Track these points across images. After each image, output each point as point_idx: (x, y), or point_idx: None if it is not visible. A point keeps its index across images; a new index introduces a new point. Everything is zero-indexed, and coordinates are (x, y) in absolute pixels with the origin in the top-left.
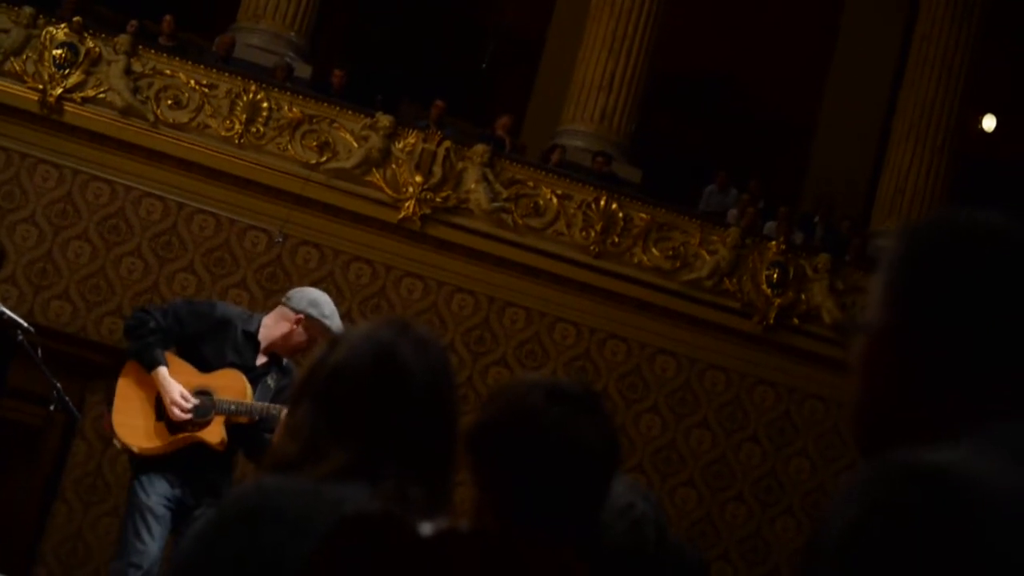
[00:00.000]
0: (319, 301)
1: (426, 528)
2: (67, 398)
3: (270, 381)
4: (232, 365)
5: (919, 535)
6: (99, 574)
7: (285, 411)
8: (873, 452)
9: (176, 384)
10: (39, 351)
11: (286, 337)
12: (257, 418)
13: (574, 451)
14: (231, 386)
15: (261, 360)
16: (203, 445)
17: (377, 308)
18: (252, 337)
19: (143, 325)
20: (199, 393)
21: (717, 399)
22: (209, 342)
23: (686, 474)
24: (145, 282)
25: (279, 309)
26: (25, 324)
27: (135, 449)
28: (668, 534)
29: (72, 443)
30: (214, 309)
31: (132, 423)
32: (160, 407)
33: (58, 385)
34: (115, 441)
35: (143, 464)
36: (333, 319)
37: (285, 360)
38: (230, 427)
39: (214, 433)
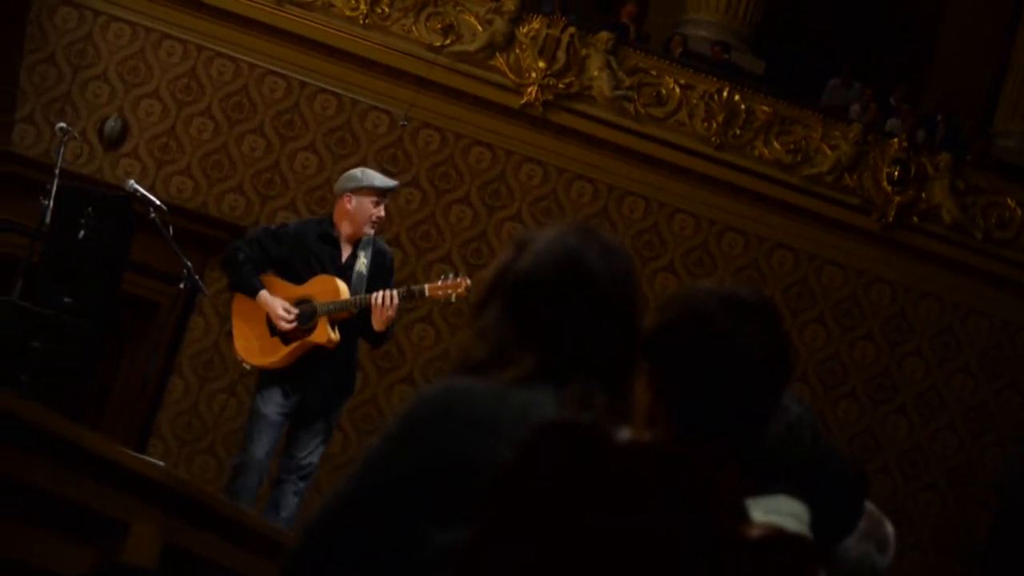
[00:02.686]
0: (350, 175)
1: (622, 435)
2: (198, 277)
3: (360, 268)
4: (321, 270)
5: None
6: (213, 448)
7: (376, 295)
8: None
9: (278, 300)
10: (170, 229)
11: (347, 218)
12: (356, 310)
13: (749, 359)
14: (326, 289)
15: (346, 253)
16: (317, 348)
17: (496, 193)
18: (328, 237)
19: (234, 259)
20: (300, 303)
21: (834, 295)
22: (295, 259)
23: (799, 369)
24: (266, 160)
25: (335, 205)
26: (158, 202)
27: (260, 366)
28: (822, 438)
29: (190, 319)
30: (287, 229)
31: (252, 345)
32: (272, 325)
33: (189, 264)
34: (244, 365)
35: (264, 377)
36: (365, 176)
37: (373, 239)
38: (336, 325)
39: (321, 334)
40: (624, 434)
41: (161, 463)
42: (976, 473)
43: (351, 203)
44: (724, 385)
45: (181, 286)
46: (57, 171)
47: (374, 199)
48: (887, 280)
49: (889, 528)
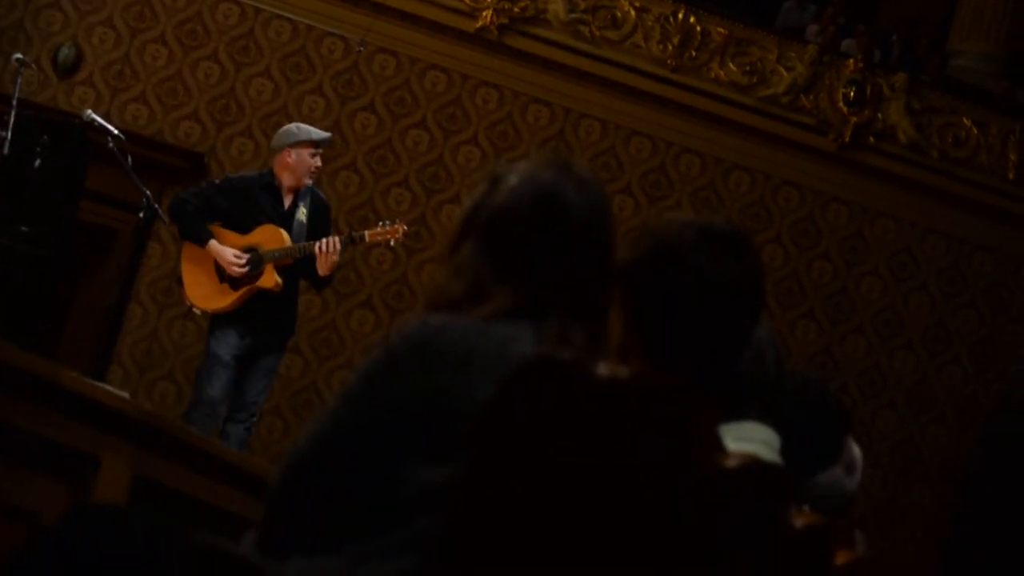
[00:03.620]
0: (286, 131)
1: (601, 370)
2: (157, 205)
3: (300, 216)
4: (265, 220)
5: None
6: (172, 374)
7: (319, 243)
8: None
9: (227, 248)
10: (129, 158)
11: (287, 170)
12: (299, 256)
13: (724, 292)
14: (271, 238)
15: (287, 203)
16: (263, 292)
17: (452, 117)
18: (270, 188)
19: (183, 209)
20: (246, 251)
21: (791, 215)
22: (239, 211)
23: None
24: (221, 87)
25: (274, 159)
26: (116, 131)
27: (210, 310)
28: (784, 361)
29: (147, 246)
30: (231, 183)
31: (203, 291)
32: (220, 272)
33: (148, 193)
34: (195, 310)
35: (216, 320)
36: (301, 131)
37: (311, 190)
38: (281, 270)
39: (268, 279)
40: (602, 369)
41: (126, 394)
42: (934, 391)
43: (291, 156)
44: (699, 317)
45: (140, 215)
46: (15, 102)
47: (311, 151)
48: (844, 200)
49: (856, 451)
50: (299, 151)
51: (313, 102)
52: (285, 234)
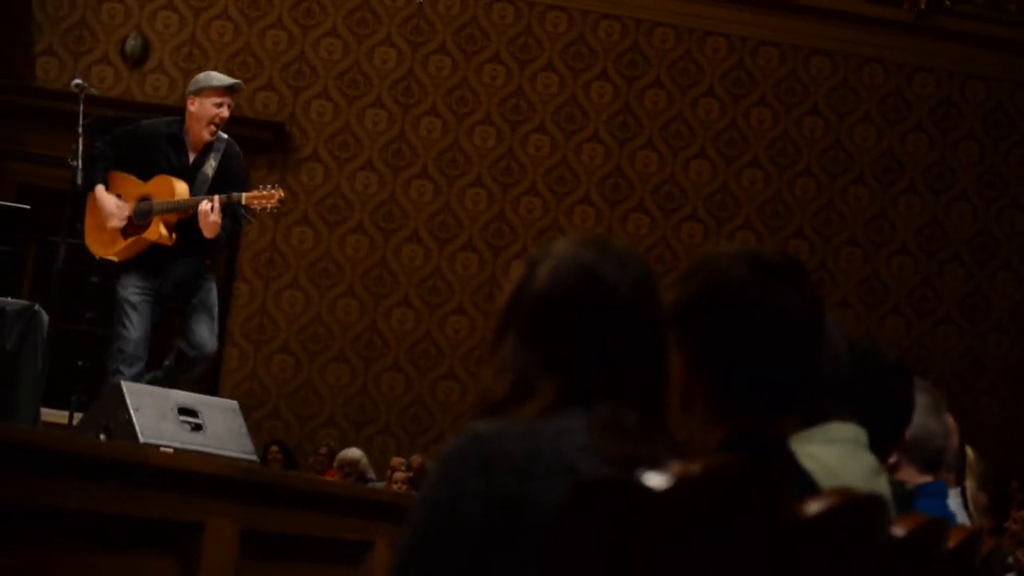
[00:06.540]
0: (195, 79)
1: (656, 480)
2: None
3: (207, 170)
4: (167, 170)
5: None
6: (288, 346)
7: (206, 200)
8: None
9: (110, 198)
10: None
11: (192, 120)
12: (191, 211)
13: (782, 323)
14: (164, 189)
15: (193, 155)
16: (158, 244)
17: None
18: (175, 139)
19: (91, 157)
20: (141, 200)
21: (877, 92)
22: (142, 158)
23: (856, 171)
24: (291, 52)
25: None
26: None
27: (99, 256)
28: (857, 349)
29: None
30: (139, 128)
31: (98, 236)
32: None
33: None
34: (93, 252)
35: (120, 266)
36: (205, 78)
37: (227, 143)
38: (175, 224)
39: (153, 231)
40: (668, 471)
41: (234, 403)
42: (996, 238)
43: (194, 105)
44: (759, 352)
45: None
46: (80, 128)
47: (215, 100)
48: (928, 68)
49: None
50: (201, 100)
51: (384, 53)
52: (180, 186)
